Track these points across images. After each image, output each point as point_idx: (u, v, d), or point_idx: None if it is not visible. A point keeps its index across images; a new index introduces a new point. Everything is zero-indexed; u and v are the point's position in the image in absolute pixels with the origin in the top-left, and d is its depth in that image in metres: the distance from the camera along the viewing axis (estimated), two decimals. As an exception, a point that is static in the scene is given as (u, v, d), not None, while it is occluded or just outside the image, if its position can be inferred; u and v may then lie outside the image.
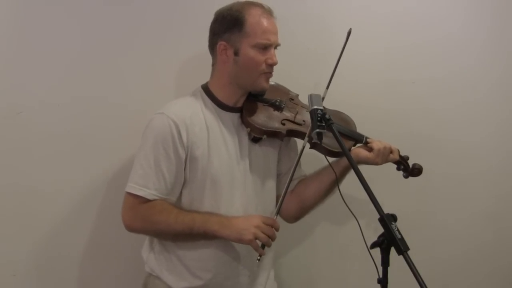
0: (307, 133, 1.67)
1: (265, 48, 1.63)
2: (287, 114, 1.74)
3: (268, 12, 1.66)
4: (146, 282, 1.73)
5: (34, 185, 1.91)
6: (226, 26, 1.63)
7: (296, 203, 1.79)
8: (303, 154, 1.82)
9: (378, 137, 1.80)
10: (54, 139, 1.92)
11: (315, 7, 2.09)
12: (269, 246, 1.58)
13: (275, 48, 1.67)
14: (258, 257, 1.59)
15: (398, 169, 1.88)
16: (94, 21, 1.94)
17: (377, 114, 2.11)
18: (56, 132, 1.92)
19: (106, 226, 1.94)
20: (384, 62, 2.15)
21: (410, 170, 1.87)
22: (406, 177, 1.88)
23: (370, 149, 1.74)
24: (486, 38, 2.22)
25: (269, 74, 1.67)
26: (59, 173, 1.93)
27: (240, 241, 1.58)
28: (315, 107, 1.55)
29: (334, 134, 1.50)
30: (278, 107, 1.74)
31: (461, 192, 2.24)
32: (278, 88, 1.79)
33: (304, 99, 1.71)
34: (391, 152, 1.78)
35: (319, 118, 1.51)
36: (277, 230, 1.61)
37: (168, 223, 1.58)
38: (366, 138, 1.78)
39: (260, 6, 1.66)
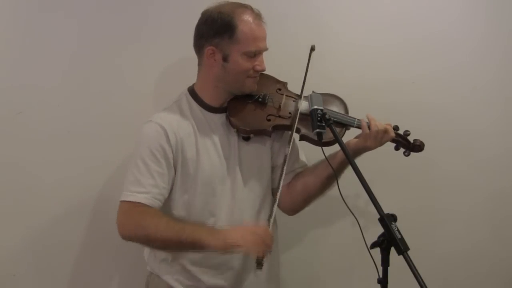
0: (293, 127, 1.64)
1: (254, 55, 1.62)
2: (272, 109, 1.71)
3: (259, 17, 1.63)
4: (147, 281, 1.75)
5: (34, 185, 1.91)
6: (216, 30, 1.60)
7: (290, 196, 1.76)
8: (302, 149, 1.82)
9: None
10: (54, 139, 1.92)
11: (314, 6, 2.09)
12: (269, 249, 1.49)
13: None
14: (258, 265, 1.47)
15: (397, 148, 1.79)
16: (94, 22, 1.94)
17: (376, 110, 2.10)
18: (56, 132, 1.92)
19: (109, 226, 1.92)
20: (382, 59, 2.14)
21: (411, 146, 1.78)
22: (407, 155, 1.79)
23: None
24: (482, 33, 2.21)
25: (255, 77, 1.67)
26: (60, 173, 1.93)
27: (226, 247, 1.46)
28: (315, 107, 1.55)
29: (334, 134, 1.51)
30: (262, 103, 1.71)
31: (461, 190, 2.23)
32: (264, 80, 1.73)
33: (296, 90, 1.71)
34: (385, 132, 1.70)
35: (319, 118, 1.52)
36: (270, 240, 1.50)
37: (158, 228, 1.51)
38: (358, 120, 1.72)
39: (251, 10, 1.63)
